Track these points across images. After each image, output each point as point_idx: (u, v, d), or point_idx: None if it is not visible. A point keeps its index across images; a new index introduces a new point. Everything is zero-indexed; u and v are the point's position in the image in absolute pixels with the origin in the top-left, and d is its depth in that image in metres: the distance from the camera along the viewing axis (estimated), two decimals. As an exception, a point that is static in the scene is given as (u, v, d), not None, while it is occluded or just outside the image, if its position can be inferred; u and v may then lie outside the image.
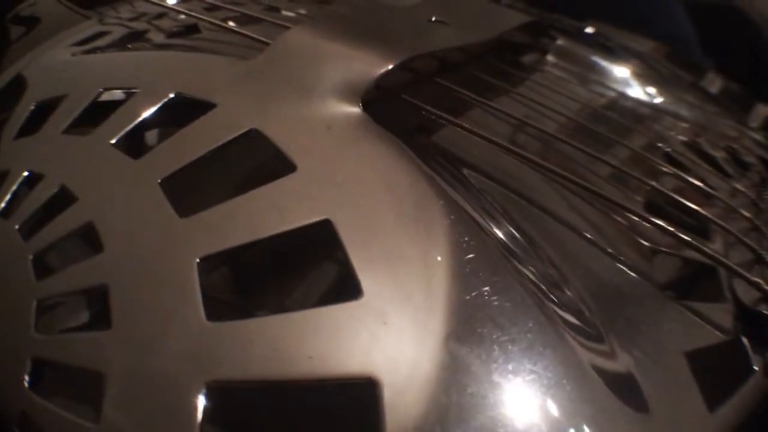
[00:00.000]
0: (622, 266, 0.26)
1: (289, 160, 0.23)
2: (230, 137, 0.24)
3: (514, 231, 0.24)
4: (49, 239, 0.23)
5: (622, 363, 0.21)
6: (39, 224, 0.24)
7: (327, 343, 0.18)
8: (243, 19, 0.38)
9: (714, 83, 0.51)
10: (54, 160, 0.25)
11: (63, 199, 0.24)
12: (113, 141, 0.25)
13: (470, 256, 0.20)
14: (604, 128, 0.34)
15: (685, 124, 0.41)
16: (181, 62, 0.29)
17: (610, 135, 0.34)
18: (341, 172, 0.23)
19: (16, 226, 0.24)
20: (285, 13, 0.41)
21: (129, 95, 0.28)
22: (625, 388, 0.20)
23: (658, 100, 0.45)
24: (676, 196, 0.28)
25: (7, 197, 0.25)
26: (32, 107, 0.30)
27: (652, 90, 0.45)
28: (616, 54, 0.45)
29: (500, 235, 0.24)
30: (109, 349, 0.20)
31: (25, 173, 0.25)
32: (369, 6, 0.41)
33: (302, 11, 0.41)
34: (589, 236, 0.28)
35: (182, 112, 0.27)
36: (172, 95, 0.27)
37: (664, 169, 0.32)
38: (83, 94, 0.29)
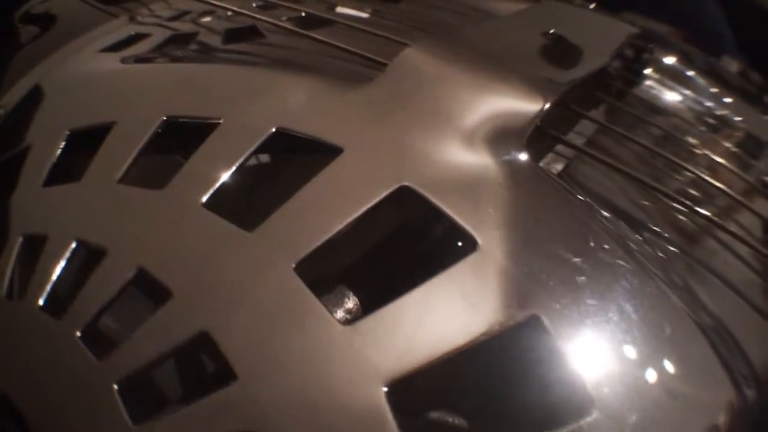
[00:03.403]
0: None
1: (467, 233, 0.16)
2: (377, 198, 0.16)
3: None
4: (139, 362, 0.15)
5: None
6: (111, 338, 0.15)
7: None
8: (307, 21, 0.30)
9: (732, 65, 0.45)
10: (117, 225, 0.17)
11: (142, 286, 0.16)
12: (203, 199, 0.17)
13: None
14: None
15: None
16: (268, 82, 0.21)
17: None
18: (535, 245, 0.16)
19: (78, 333, 0.16)
20: (350, 12, 0.33)
21: (207, 127, 0.20)
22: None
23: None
24: None
25: (52, 278, 0.17)
26: (65, 137, 0.22)
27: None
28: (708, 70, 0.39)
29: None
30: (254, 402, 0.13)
31: (74, 243, 0.17)
32: (443, 5, 0.34)
33: (368, 9, 0.33)
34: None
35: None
36: (272, 130, 0.19)
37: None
38: (139, 123, 0.20)
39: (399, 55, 0.21)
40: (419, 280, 0.16)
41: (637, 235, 0.21)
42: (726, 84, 0.41)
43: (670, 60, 0.36)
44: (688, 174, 0.26)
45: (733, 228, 0.23)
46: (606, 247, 0.18)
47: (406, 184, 0.17)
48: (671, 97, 0.34)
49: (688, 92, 0.35)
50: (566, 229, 0.18)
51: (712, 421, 0.17)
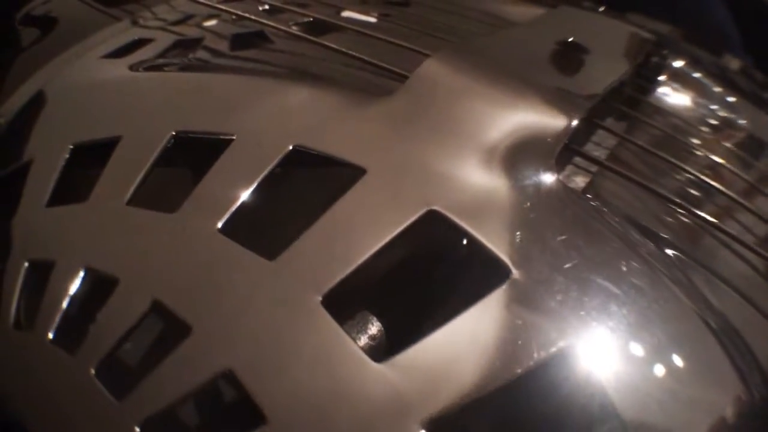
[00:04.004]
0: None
1: (500, 261, 0.15)
2: (404, 223, 0.15)
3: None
4: (160, 403, 0.14)
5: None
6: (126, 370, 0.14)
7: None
8: (315, 26, 0.28)
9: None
10: (127, 252, 0.16)
11: (159, 319, 0.15)
12: (219, 224, 0.16)
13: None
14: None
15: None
16: (283, 95, 0.20)
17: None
18: (569, 272, 0.15)
19: (93, 370, 0.14)
20: (358, 16, 0.31)
21: (218, 144, 0.19)
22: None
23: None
24: None
25: (62, 307, 0.16)
26: (68, 151, 0.20)
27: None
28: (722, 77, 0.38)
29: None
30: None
31: (82, 271, 0.16)
32: (453, 9, 0.33)
33: (375, 13, 0.32)
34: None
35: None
36: (289, 148, 0.18)
37: None
38: (146, 138, 0.19)
39: (419, 67, 0.20)
40: (450, 311, 0.15)
41: (664, 254, 0.21)
42: (735, 87, 0.40)
43: (680, 64, 0.35)
44: (705, 185, 0.25)
45: (752, 241, 0.22)
46: (638, 271, 0.17)
47: (434, 208, 0.16)
48: (684, 104, 0.33)
49: (701, 99, 0.34)
50: (599, 254, 0.17)
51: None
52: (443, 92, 0.19)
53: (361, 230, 0.15)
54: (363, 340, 0.17)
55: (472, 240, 0.16)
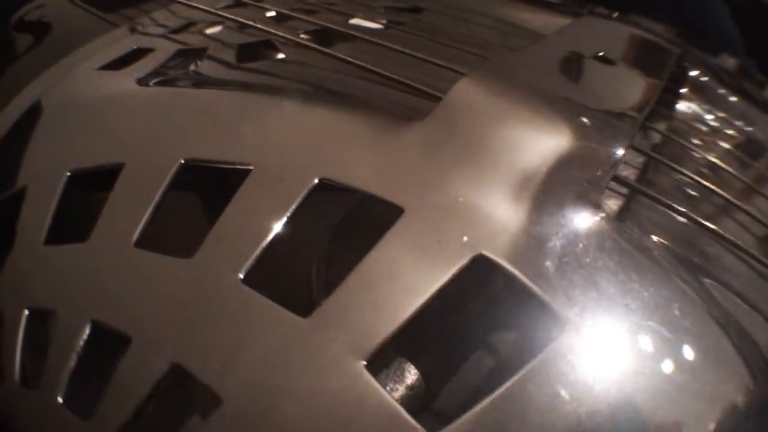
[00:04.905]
0: None
1: (557, 313, 0.13)
2: (452, 272, 0.14)
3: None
4: None
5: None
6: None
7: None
8: (324, 34, 0.27)
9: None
10: (140, 305, 0.14)
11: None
12: (242, 273, 0.14)
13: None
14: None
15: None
16: (302, 118, 0.18)
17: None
18: (626, 318, 0.14)
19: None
20: (369, 24, 0.30)
21: (233, 174, 0.17)
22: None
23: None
24: None
25: (70, 365, 0.14)
26: (66, 179, 0.18)
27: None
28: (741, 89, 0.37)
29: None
30: None
31: (89, 326, 0.14)
32: (472, 18, 0.31)
33: (383, 21, 0.30)
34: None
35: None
36: (315, 181, 0.16)
37: None
38: (152, 167, 0.17)
39: (452, 90, 0.18)
40: (507, 370, 0.13)
41: (704, 287, 0.19)
42: (749, 97, 0.39)
43: (698, 74, 0.34)
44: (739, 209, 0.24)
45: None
46: (689, 314, 0.16)
47: (482, 253, 0.14)
48: (706, 117, 0.32)
49: (720, 113, 0.33)
50: (653, 297, 0.16)
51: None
52: (480, 119, 0.17)
53: (405, 281, 0.13)
54: (400, 391, 0.16)
55: (525, 288, 0.14)
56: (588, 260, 0.15)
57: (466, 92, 0.18)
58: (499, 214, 0.15)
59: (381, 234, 0.14)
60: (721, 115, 0.34)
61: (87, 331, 0.14)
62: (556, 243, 0.15)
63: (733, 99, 0.35)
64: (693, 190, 0.24)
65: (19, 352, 0.14)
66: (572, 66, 0.21)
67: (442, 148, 0.16)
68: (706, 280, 0.20)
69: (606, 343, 0.14)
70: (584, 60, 0.22)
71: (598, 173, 0.16)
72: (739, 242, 0.21)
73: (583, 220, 0.16)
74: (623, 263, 0.15)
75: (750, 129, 0.34)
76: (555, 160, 0.16)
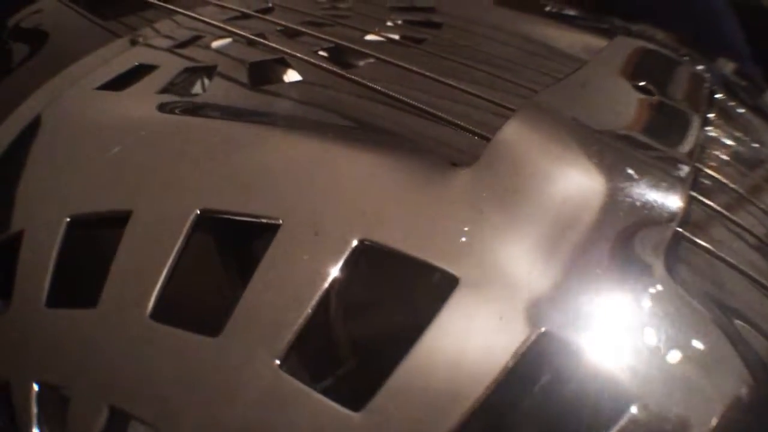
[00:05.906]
0: None
1: (623, 389, 0.12)
2: (516, 351, 0.12)
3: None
4: None
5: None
6: None
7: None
8: (340, 53, 0.25)
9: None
10: (160, 390, 0.12)
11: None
12: (280, 358, 0.12)
13: None
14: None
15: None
16: (333, 159, 0.16)
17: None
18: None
19: None
20: (375, 37, 0.27)
21: (259, 228, 0.15)
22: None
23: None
24: None
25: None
26: (65, 225, 0.16)
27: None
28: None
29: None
30: None
31: (106, 410, 0.12)
32: (494, 36, 0.29)
33: (395, 35, 0.28)
34: None
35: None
36: (354, 243, 0.14)
37: None
38: (165, 217, 0.15)
39: (500, 132, 0.16)
40: None
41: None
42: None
43: (722, 97, 0.32)
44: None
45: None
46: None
47: (547, 329, 0.12)
48: (733, 145, 0.31)
49: (745, 137, 0.31)
50: (713, 362, 0.14)
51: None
52: (534, 170, 0.15)
53: (470, 361, 0.12)
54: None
55: (588, 365, 0.12)
56: (649, 330, 0.13)
57: (517, 138, 0.16)
58: (562, 282, 0.13)
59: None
60: (745, 139, 0.32)
61: (105, 415, 0.12)
62: (622, 313, 0.13)
63: (754, 119, 0.34)
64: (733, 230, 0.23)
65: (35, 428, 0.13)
66: (620, 100, 0.19)
67: (495, 204, 0.15)
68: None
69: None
70: (630, 93, 0.20)
71: (664, 228, 0.15)
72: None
73: (646, 278, 0.14)
74: (684, 327, 0.14)
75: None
76: (618, 215, 0.15)
